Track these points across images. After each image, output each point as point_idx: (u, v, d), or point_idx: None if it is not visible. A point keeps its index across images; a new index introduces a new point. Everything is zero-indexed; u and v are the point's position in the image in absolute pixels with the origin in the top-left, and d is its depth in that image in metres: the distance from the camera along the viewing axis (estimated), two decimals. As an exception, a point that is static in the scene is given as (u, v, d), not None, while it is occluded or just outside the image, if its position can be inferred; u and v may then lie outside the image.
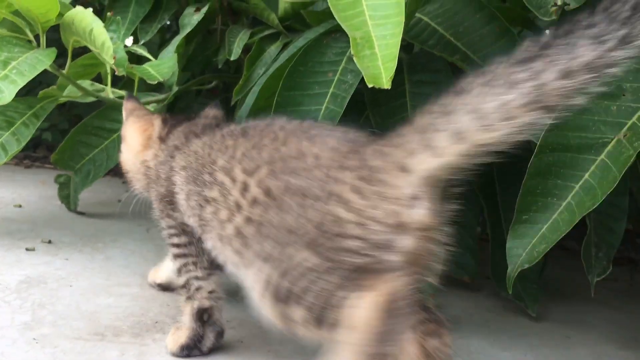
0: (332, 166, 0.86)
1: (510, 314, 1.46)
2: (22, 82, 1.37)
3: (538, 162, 1.04)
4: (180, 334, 1.04)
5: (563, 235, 1.01)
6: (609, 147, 1.02)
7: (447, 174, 0.82)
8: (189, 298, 1.05)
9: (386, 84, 1.01)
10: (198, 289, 1.05)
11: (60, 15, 1.51)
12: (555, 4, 1.05)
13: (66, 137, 1.85)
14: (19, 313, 1.10)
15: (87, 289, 1.27)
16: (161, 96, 1.85)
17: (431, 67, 1.43)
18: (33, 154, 2.92)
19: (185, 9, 1.94)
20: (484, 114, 0.76)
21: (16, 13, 1.51)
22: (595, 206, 0.98)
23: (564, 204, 1.02)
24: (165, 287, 1.32)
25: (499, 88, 0.76)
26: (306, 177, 0.86)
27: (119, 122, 1.89)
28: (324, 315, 0.82)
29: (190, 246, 1.06)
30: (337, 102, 1.34)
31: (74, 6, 1.54)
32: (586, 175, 1.01)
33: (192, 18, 1.82)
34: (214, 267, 1.06)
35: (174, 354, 1.02)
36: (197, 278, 1.06)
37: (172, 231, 1.08)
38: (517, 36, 1.27)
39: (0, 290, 1.19)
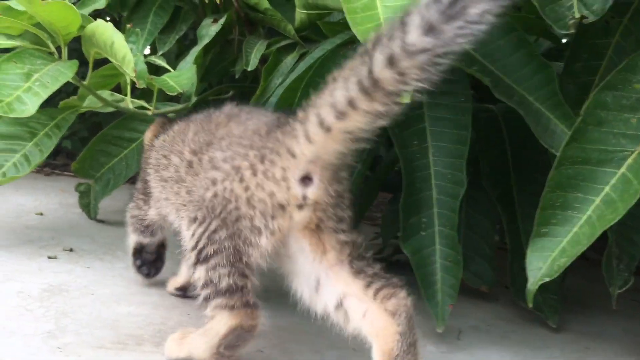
0: (243, 144, 1.00)
1: (529, 324, 1.45)
2: (45, 95, 1.40)
3: (558, 175, 1.04)
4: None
5: (584, 249, 1.01)
6: (630, 160, 1.01)
7: (333, 158, 0.95)
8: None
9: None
10: None
11: (82, 27, 1.54)
12: (573, 18, 1.05)
13: (86, 146, 1.88)
14: (43, 321, 1.12)
15: (109, 297, 1.29)
16: (179, 106, 1.87)
17: (448, 77, 1.43)
18: (53, 162, 2.96)
19: (202, 19, 1.96)
20: (336, 104, 0.88)
21: (38, 25, 1.54)
22: (617, 220, 0.98)
23: (584, 217, 1.02)
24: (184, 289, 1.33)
25: (344, 82, 0.87)
26: (222, 153, 1.01)
27: (138, 131, 1.92)
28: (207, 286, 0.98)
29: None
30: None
31: (95, 18, 1.57)
32: (607, 189, 1.01)
33: (210, 29, 1.84)
34: None
35: None
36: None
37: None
38: (535, 47, 1.27)
39: (23, 298, 1.21)
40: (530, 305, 1.09)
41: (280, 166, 0.95)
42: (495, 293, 1.61)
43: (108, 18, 2.90)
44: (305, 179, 0.96)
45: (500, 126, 1.55)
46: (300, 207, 0.96)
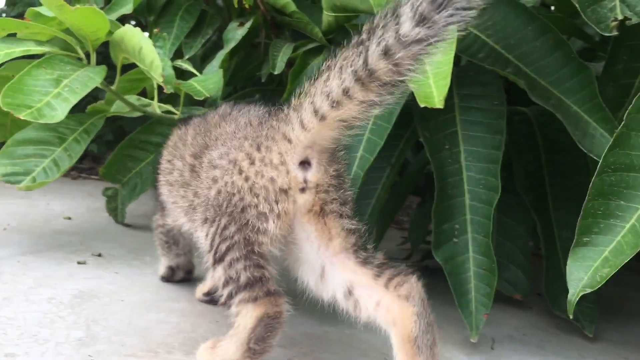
0: (237, 137, 1.04)
1: (565, 333, 1.41)
2: (74, 100, 1.40)
3: (599, 183, 1.00)
4: None
5: (628, 259, 0.97)
6: (675, 166, 0.97)
7: (329, 143, 0.97)
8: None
9: (438, 103, 0.99)
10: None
11: (110, 32, 1.54)
12: (616, 19, 1.02)
13: (113, 151, 1.88)
14: (74, 329, 1.12)
15: (138, 304, 1.28)
16: (205, 110, 1.87)
17: (480, 79, 1.40)
18: (80, 166, 2.99)
19: (228, 23, 1.96)
20: (330, 93, 0.89)
21: (67, 31, 1.55)
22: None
23: (627, 226, 0.98)
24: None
25: (339, 72, 0.89)
26: (218, 151, 1.04)
27: (165, 136, 1.91)
28: (228, 283, 0.98)
29: None
30: (385, 117, 1.32)
31: (123, 24, 1.57)
32: (652, 196, 0.97)
33: (236, 33, 1.84)
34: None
35: None
36: None
37: None
38: (572, 48, 1.23)
39: (55, 305, 1.21)
40: (571, 316, 1.05)
41: (277, 151, 0.97)
42: (529, 301, 1.57)
43: (134, 22, 2.92)
44: (304, 163, 0.98)
45: (534, 130, 1.51)
46: (302, 190, 0.97)
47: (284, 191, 0.97)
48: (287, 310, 0.99)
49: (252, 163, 0.98)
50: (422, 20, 0.81)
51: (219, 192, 1.01)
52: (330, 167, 0.99)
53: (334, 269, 1.01)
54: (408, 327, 0.94)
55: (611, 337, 1.43)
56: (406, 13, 0.82)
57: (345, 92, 0.88)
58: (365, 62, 0.85)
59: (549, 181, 1.45)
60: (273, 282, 0.99)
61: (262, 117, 1.06)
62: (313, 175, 0.98)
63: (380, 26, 0.85)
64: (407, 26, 0.82)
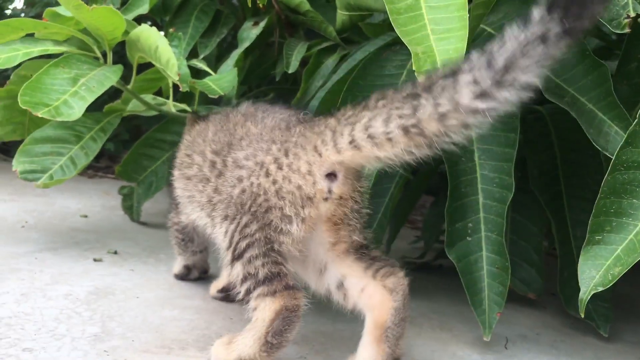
0: (265, 140, 1.05)
1: (579, 333, 1.40)
2: (90, 99, 1.42)
3: (612, 181, 0.99)
4: None
5: (641, 258, 0.96)
6: (690, 165, 0.96)
7: (358, 166, 1.01)
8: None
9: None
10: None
11: (126, 32, 1.55)
12: (628, 16, 1.01)
13: (129, 150, 1.90)
14: (90, 324, 1.13)
15: (153, 300, 1.30)
16: (219, 109, 1.88)
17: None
18: (96, 164, 3.02)
19: (242, 22, 1.97)
20: (373, 133, 0.93)
21: (84, 31, 1.57)
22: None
23: (640, 224, 0.97)
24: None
25: (387, 115, 0.92)
26: (244, 152, 1.06)
27: (180, 134, 1.93)
28: (246, 279, 1.00)
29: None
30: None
31: (139, 23, 1.59)
32: (666, 194, 0.96)
33: (250, 32, 1.85)
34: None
35: None
36: None
37: None
38: (586, 45, 1.22)
39: (71, 301, 1.23)
40: (582, 315, 1.04)
41: (305, 160, 1.00)
42: (543, 300, 1.56)
43: (149, 22, 2.95)
44: (331, 175, 1.01)
45: (549, 128, 1.50)
46: (325, 199, 1.01)
47: (309, 198, 1.00)
48: (305, 305, 1.00)
49: (280, 168, 1.01)
50: (482, 94, 0.84)
51: (243, 191, 1.03)
52: (355, 182, 1.03)
53: (334, 266, 1.07)
54: (384, 316, 1.01)
55: (627, 337, 1.42)
56: (465, 80, 0.85)
57: (388, 137, 0.92)
58: (418, 118, 0.89)
59: (563, 180, 1.44)
60: (291, 277, 1.01)
61: (289, 121, 1.09)
62: (338, 187, 1.01)
63: (439, 87, 0.87)
64: (466, 97, 0.85)
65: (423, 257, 1.91)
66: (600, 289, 0.99)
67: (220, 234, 1.07)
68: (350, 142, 0.95)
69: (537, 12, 0.81)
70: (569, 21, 0.79)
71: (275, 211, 1.00)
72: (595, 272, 1.00)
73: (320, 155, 0.99)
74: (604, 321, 1.36)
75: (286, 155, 1.01)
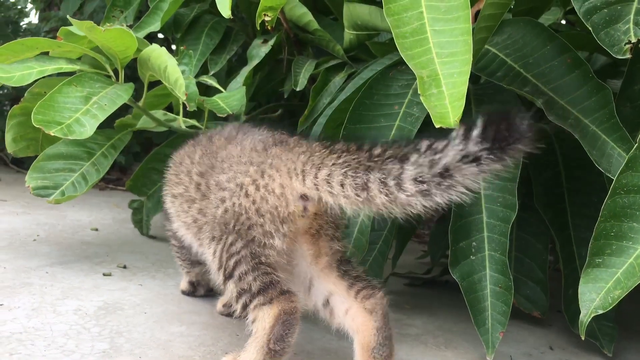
0: (243, 162, 1.09)
1: (584, 352, 1.41)
2: (102, 117, 1.45)
3: (612, 204, 1.00)
4: None
5: (641, 281, 0.97)
6: (690, 189, 0.97)
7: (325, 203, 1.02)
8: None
9: (454, 123, 1.00)
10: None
11: (138, 50, 1.59)
12: (629, 42, 1.02)
13: (140, 165, 1.93)
14: (98, 340, 1.15)
15: (161, 316, 1.32)
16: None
17: (499, 98, 1.41)
18: (107, 177, 3.06)
19: (252, 40, 2.00)
20: (332, 186, 0.97)
21: (96, 49, 1.61)
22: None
23: (640, 248, 0.98)
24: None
25: (343, 175, 0.96)
26: (225, 175, 1.10)
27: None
28: (242, 295, 1.04)
29: None
30: (404, 135, 1.34)
31: (150, 41, 1.62)
32: (666, 219, 0.97)
33: (260, 50, 1.88)
34: None
35: None
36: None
37: None
38: (589, 68, 1.24)
39: (81, 316, 1.26)
40: (583, 337, 1.05)
41: (279, 183, 1.04)
42: (549, 318, 1.57)
43: (162, 36, 2.99)
44: (304, 196, 1.05)
45: (554, 146, 1.51)
46: (302, 216, 1.06)
47: (287, 216, 1.04)
48: (302, 307, 1.05)
49: (257, 189, 1.05)
50: (422, 192, 0.90)
51: (225, 210, 1.07)
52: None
53: (319, 282, 1.11)
54: (367, 338, 1.05)
55: (632, 357, 1.42)
56: (409, 176, 0.91)
57: (344, 194, 0.96)
58: (387, 186, 0.92)
59: (568, 198, 1.45)
60: (284, 283, 1.05)
61: (266, 142, 1.13)
62: (312, 206, 1.05)
63: (388, 168, 0.93)
64: (408, 190, 0.91)
65: (429, 272, 1.92)
66: (601, 311, 1.00)
67: (209, 255, 1.11)
68: (315, 185, 1.00)
69: (474, 132, 0.89)
70: (497, 146, 0.87)
71: (257, 228, 1.04)
72: (595, 294, 1.00)
73: (291, 180, 1.03)
74: (609, 341, 1.37)
75: (262, 176, 1.06)
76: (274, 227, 1.03)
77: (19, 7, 3.56)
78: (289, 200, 1.03)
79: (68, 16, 1.63)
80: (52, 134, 1.36)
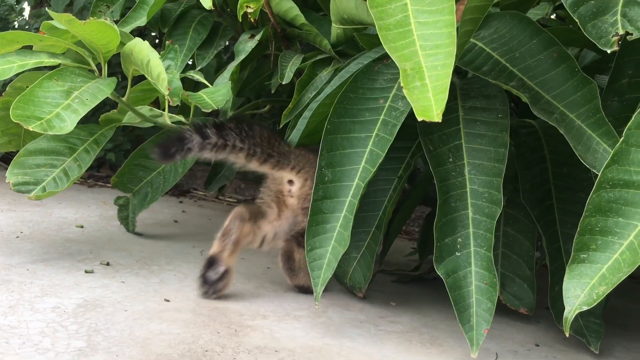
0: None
1: (572, 349, 1.39)
2: (83, 111, 1.43)
3: (597, 199, 0.99)
4: None
5: (625, 277, 0.95)
6: (676, 183, 0.95)
7: None
8: None
9: (437, 117, 0.99)
10: None
11: (122, 44, 1.57)
12: (617, 34, 1.01)
13: (125, 161, 1.91)
14: (75, 338, 1.13)
15: (142, 313, 1.30)
16: (212, 119, 1.89)
17: (486, 92, 1.39)
18: (97, 174, 3.04)
19: (240, 35, 1.98)
20: None
21: (79, 44, 1.58)
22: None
23: (625, 243, 0.96)
24: None
25: None
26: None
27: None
28: None
29: None
30: (388, 129, 1.32)
31: (143, 36, 1.60)
32: (651, 213, 0.95)
33: (246, 45, 1.86)
34: None
35: None
36: None
37: None
38: (576, 62, 1.22)
39: (59, 314, 1.23)
40: (567, 334, 1.04)
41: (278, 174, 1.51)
42: (537, 315, 1.55)
43: (154, 33, 2.97)
44: (290, 181, 1.50)
45: (541, 142, 1.49)
46: (290, 196, 1.51)
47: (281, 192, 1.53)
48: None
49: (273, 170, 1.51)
50: None
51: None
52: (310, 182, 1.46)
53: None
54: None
55: (619, 354, 1.41)
56: None
57: None
58: None
59: (555, 194, 1.43)
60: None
61: (272, 135, 1.49)
62: (296, 189, 1.49)
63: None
64: None
65: (418, 269, 1.90)
66: (585, 308, 0.98)
67: None
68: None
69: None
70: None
71: None
72: (580, 291, 0.99)
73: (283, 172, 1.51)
74: (595, 337, 1.35)
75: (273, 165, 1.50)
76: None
77: (10, 3, 3.52)
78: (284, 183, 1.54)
79: (47, 9, 1.61)
80: (31, 129, 1.34)
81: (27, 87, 1.48)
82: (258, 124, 1.48)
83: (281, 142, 1.50)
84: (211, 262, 1.45)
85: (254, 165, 1.45)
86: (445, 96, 1.01)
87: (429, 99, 1.03)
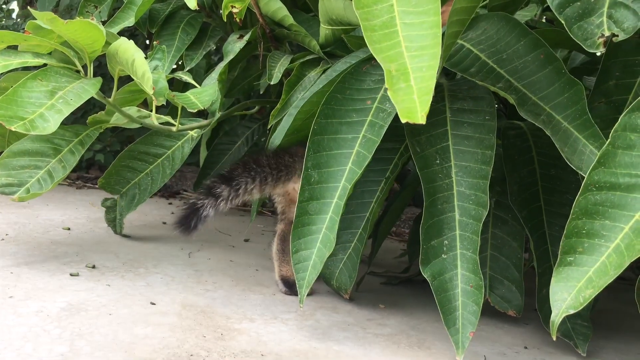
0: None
1: (560, 352, 1.38)
2: (67, 112, 1.41)
3: (584, 202, 0.98)
4: None
5: (612, 279, 0.95)
6: (662, 186, 0.95)
7: None
8: None
9: (421, 119, 0.98)
10: None
11: (107, 44, 1.55)
12: (603, 35, 1.00)
13: (113, 162, 1.89)
14: (58, 343, 1.12)
15: (126, 317, 1.28)
16: (205, 122, 1.88)
17: (473, 94, 1.38)
18: (86, 175, 3.01)
19: (229, 35, 1.96)
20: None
21: (65, 44, 1.56)
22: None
23: (612, 246, 0.96)
24: None
25: None
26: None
27: (164, 147, 1.93)
28: None
29: None
30: (375, 130, 1.31)
31: (133, 37, 1.58)
32: (637, 216, 0.94)
33: (235, 45, 1.84)
34: None
35: None
36: None
37: None
38: (563, 64, 1.22)
39: (42, 318, 1.22)
40: (554, 337, 1.03)
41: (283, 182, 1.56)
42: (526, 317, 1.55)
43: (145, 34, 2.94)
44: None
45: (530, 144, 1.49)
46: (296, 192, 1.46)
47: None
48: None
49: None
50: None
51: None
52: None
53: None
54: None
55: (607, 356, 1.40)
56: None
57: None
58: None
59: (543, 196, 1.42)
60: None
61: (276, 153, 1.53)
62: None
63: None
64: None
65: (407, 271, 1.89)
66: (572, 311, 0.98)
67: None
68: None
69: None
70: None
71: None
72: (566, 294, 0.98)
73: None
74: (583, 340, 1.35)
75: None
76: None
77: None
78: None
79: (29, 8, 1.59)
80: (14, 129, 1.32)
81: (12, 87, 1.46)
82: (263, 154, 1.52)
83: (285, 155, 1.53)
84: (292, 284, 1.56)
85: (268, 191, 1.53)
86: (429, 98, 1.00)
87: (413, 100, 1.02)
